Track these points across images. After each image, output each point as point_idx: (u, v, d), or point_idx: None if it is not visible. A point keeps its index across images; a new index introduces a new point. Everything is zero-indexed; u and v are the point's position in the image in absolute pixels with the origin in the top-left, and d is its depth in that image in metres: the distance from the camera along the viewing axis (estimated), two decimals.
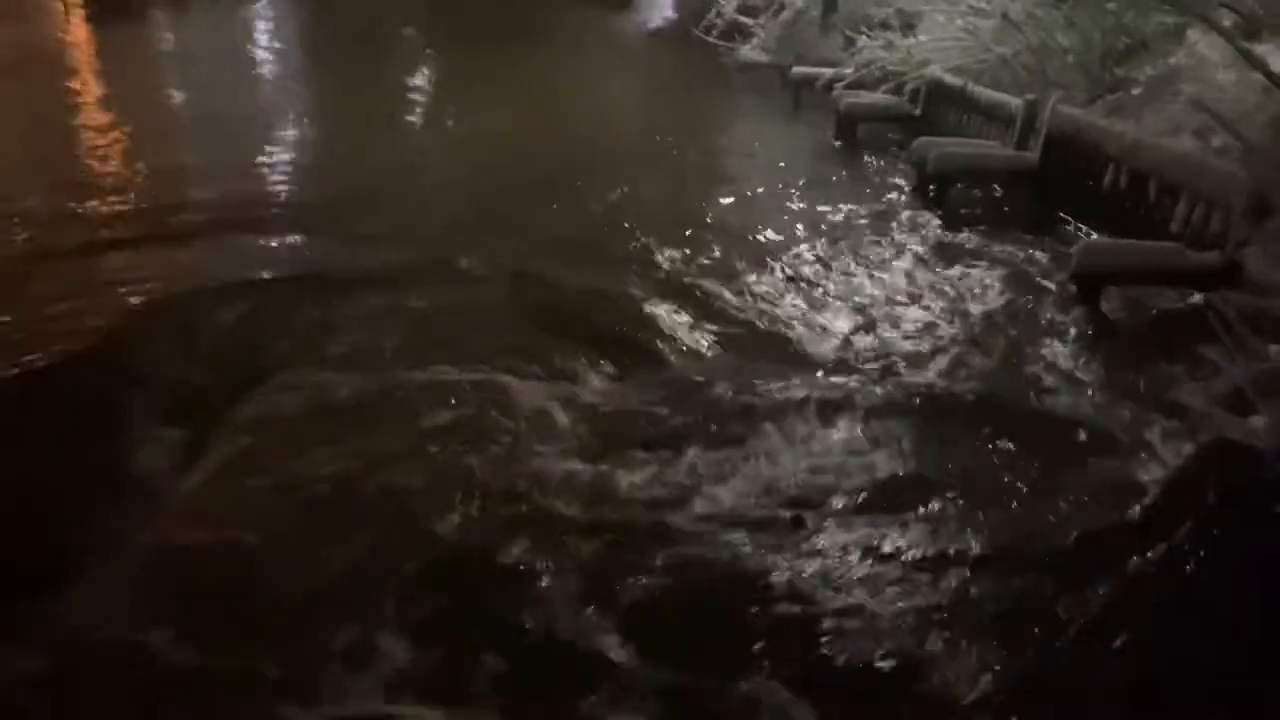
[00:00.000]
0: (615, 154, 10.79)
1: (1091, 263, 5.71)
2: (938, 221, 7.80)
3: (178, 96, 15.78)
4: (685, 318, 5.82)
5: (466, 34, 23.51)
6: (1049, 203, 7.73)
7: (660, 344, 5.49)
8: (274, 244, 7.35)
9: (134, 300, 6.04)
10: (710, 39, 17.22)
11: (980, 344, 5.39)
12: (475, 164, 10.23)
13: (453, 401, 4.68)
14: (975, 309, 5.96)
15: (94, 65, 19.81)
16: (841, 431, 4.45)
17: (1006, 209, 8.17)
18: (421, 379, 4.90)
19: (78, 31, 24.65)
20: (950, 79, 10.00)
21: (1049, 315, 5.78)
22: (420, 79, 16.96)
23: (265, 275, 6.55)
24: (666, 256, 6.93)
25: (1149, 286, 5.79)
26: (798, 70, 13.31)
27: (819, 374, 5.12)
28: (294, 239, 7.46)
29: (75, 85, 16.20)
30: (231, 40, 24.58)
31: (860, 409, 4.61)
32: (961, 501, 3.96)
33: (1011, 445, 4.37)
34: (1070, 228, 7.42)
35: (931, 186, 8.33)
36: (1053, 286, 6.18)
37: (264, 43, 24.14)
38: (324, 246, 7.18)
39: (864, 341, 5.57)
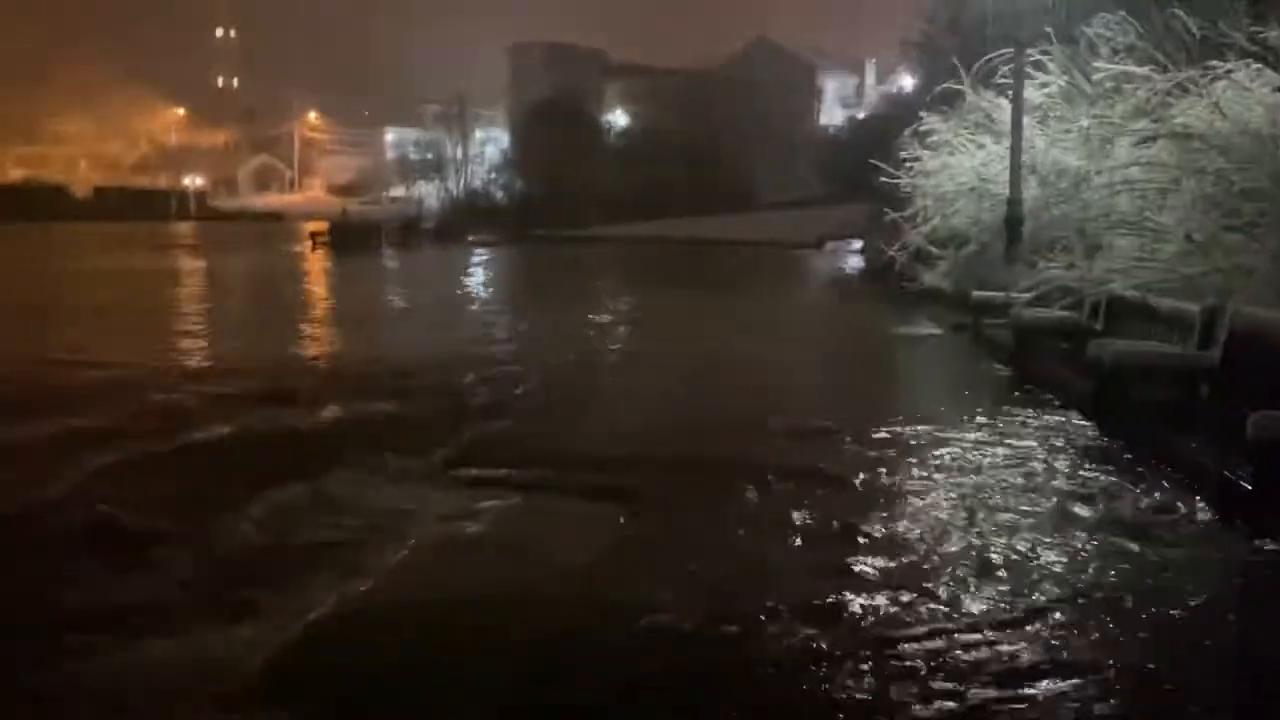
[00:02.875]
0: (783, 378, 10.99)
1: (1266, 434, 5.48)
2: (1109, 445, 7.44)
3: (389, 305, 18.73)
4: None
5: (661, 277, 25.13)
6: (1230, 401, 7.45)
7: None
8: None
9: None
10: (896, 268, 17.74)
11: None
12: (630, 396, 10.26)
13: None
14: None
15: (324, 281, 23.31)
16: None
17: (1185, 416, 7.83)
18: None
19: (317, 261, 28.79)
20: (1131, 293, 9.96)
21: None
22: (610, 312, 17.94)
23: None
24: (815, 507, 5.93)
25: None
26: (978, 294, 13.51)
27: None
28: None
29: (307, 291, 19.47)
30: (446, 274, 27.33)
31: None
32: None
33: None
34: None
35: (1105, 392, 8.19)
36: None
37: (475, 277, 26.66)
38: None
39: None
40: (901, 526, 5.38)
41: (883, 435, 7.54)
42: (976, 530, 5.28)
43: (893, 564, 4.77)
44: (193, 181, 80.00)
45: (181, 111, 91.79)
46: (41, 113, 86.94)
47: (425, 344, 12.91)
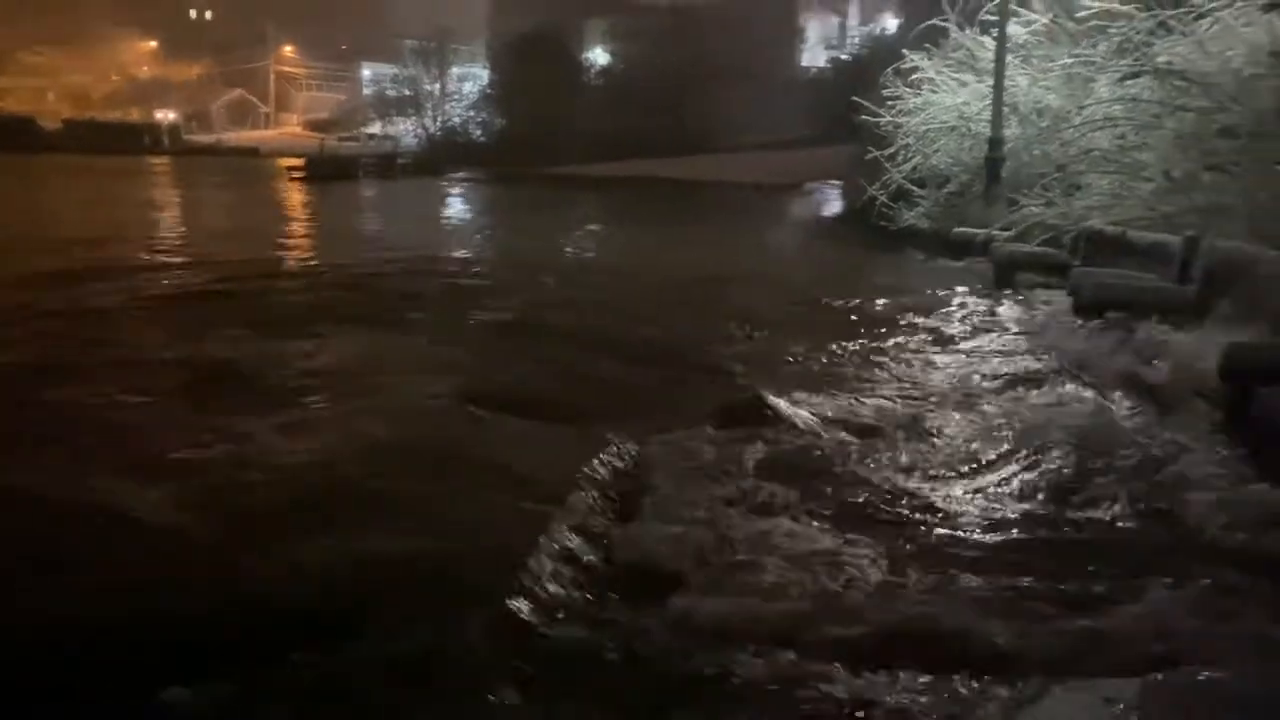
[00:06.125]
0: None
1: (1239, 362, 5.60)
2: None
3: (364, 230, 19.74)
4: None
5: (635, 212, 25.21)
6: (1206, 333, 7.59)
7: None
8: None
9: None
10: (875, 208, 17.73)
11: None
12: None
13: None
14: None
15: (296, 206, 23.67)
16: None
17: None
18: None
19: (293, 190, 28.90)
20: (1110, 228, 10.07)
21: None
22: (576, 239, 18.10)
23: None
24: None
25: None
26: (958, 231, 13.61)
27: None
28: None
29: (279, 213, 20.14)
30: (421, 207, 27.54)
31: None
32: None
33: None
34: None
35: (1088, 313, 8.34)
36: None
37: (450, 209, 26.66)
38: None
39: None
40: None
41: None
42: None
43: None
44: (165, 116, 78.52)
45: (153, 44, 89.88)
46: (8, 45, 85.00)
47: (392, 256, 13.59)
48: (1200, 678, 2.83)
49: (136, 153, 56.27)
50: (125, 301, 9.26)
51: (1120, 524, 4.19)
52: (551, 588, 3.40)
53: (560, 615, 3.26)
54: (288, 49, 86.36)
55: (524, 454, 4.85)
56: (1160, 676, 2.83)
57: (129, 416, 5.54)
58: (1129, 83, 12.26)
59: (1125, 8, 13.14)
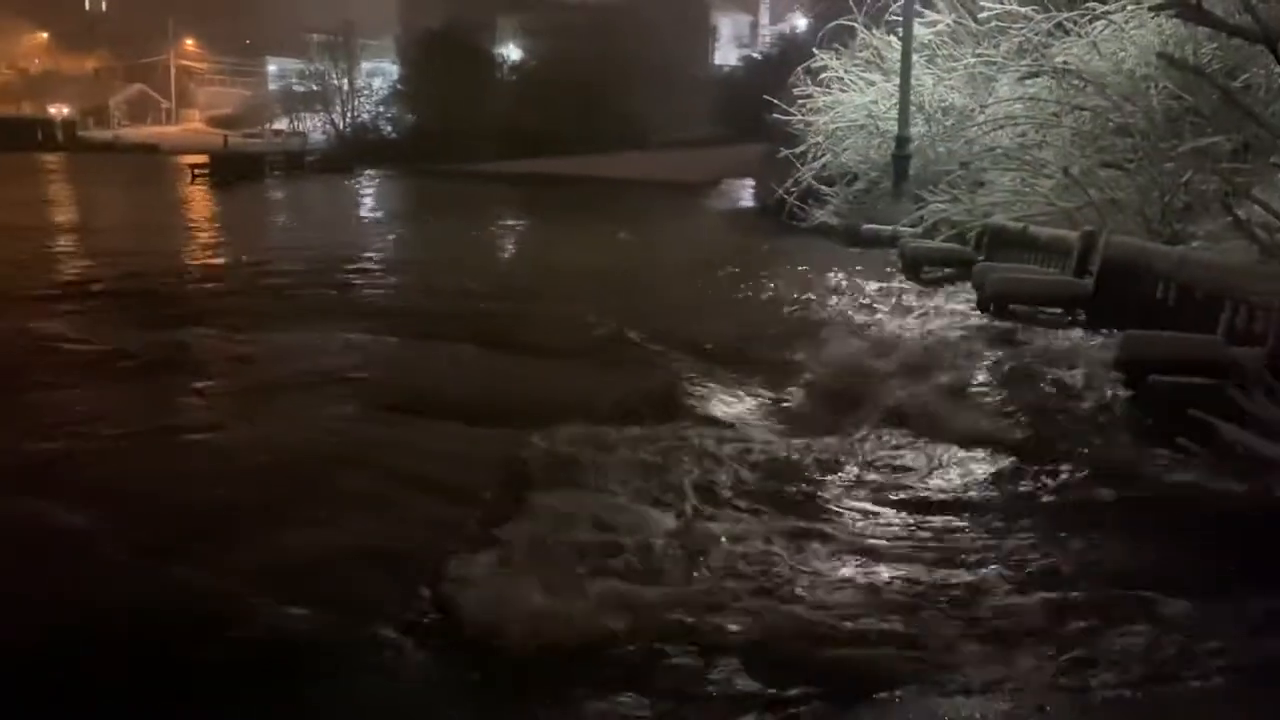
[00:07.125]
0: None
1: (1135, 352, 5.82)
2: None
3: (270, 225, 19.19)
4: None
5: (551, 208, 25.23)
6: (1104, 324, 7.85)
7: None
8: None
9: None
10: (787, 206, 17.96)
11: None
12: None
13: None
14: None
15: (200, 206, 23.09)
16: None
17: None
18: None
19: (195, 191, 28.36)
20: (1012, 224, 10.37)
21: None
22: (495, 234, 18.09)
23: None
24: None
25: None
26: (867, 228, 13.87)
27: None
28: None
29: (179, 213, 19.54)
30: (331, 200, 27.14)
31: None
32: None
33: None
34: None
35: (991, 307, 8.57)
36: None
37: (363, 203, 26.30)
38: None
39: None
40: None
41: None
42: None
43: None
44: (59, 111, 75.77)
45: (44, 36, 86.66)
46: None
47: (304, 258, 13.17)
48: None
49: (29, 149, 54.31)
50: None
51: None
52: (455, 589, 3.42)
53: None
54: (189, 42, 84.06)
55: (440, 454, 4.85)
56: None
57: (28, 414, 5.38)
58: (1029, 82, 12.62)
59: (1024, 9, 13.53)
